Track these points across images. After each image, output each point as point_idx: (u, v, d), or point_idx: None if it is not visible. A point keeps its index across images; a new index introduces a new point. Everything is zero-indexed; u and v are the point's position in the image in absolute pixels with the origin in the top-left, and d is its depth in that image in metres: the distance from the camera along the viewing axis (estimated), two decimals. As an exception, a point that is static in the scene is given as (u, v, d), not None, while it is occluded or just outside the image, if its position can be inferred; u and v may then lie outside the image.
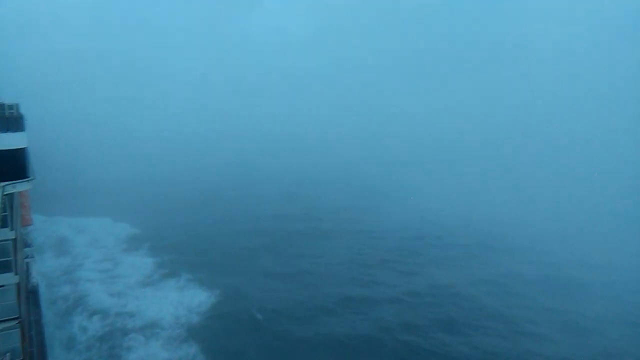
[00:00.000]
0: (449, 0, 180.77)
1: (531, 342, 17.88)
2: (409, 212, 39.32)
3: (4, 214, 12.37)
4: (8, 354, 12.76)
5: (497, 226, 35.24)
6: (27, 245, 19.32)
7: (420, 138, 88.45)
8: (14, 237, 13.08)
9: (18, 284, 13.14)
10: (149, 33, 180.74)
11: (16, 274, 13.01)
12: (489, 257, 27.92)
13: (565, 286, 23.47)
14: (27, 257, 18.34)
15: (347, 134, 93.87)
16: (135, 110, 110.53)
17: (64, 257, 23.24)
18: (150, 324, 17.13)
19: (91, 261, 22.56)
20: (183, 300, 18.66)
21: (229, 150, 75.08)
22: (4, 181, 11.68)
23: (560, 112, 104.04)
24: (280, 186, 48.33)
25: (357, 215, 38.39)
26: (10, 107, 13.79)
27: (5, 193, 11.73)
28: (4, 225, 12.73)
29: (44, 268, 21.90)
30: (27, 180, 12.31)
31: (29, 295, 16.47)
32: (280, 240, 29.87)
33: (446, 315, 20.00)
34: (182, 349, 16.84)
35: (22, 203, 17.48)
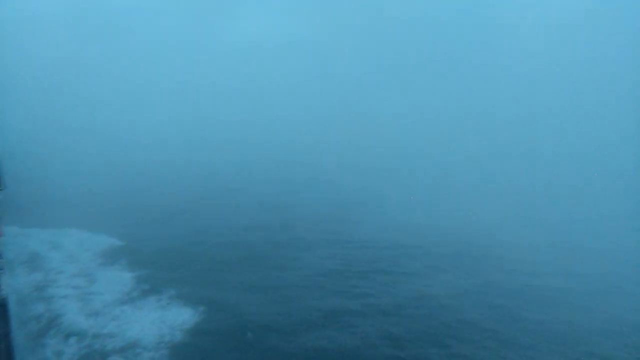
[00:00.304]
0: (434, 6, 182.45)
1: (516, 354, 17.64)
2: (388, 220, 39.12)
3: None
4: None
5: (477, 235, 35.27)
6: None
7: (399, 145, 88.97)
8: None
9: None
10: (127, 41, 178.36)
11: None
12: (470, 266, 27.75)
13: (547, 296, 23.57)
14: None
15: (326, 142, 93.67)
16: (113, 118, 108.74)
17: (36, 271, 21.70)
18: (131, 345, 16.01)
19: (66, 276, 21.04)
20: (165, 318, 17.49)
21: (205, 159, 73.95)
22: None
23: (544, 122, 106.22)
24: (257, 196, 47.52)
25: (336, 224, 37.89)
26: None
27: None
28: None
29: (14, 283, 20.64)
30: (-2, 191, 11.37)
31: None
32: (260, 251, 29.07)
33: (431, 327, 19.62)
34: (166, 370, 15.99)
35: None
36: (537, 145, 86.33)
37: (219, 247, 29.45)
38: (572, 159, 73.98)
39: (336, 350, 17.93)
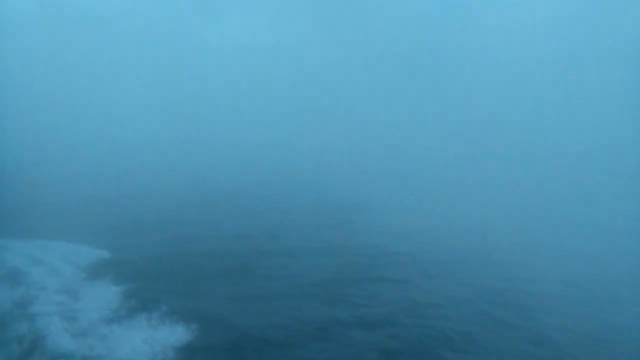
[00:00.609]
0: (413, 8, 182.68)
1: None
2: (381, 225, 38.89)
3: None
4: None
5: (472, 239, 35.31)
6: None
7: (389, 147, 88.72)
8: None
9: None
10: (112, 43, 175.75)
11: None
12: (465, 272, 27.65)
13: (545, 304, 23.69)
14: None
15: (315, 144, 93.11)
16: (95, 124, 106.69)
17: (17, 287, 20.94)
18: (122, 365, 15.33)
19: (49, 292, 20.20)
20: (157, 336, 16.66)
21: (193, 162, 72.95)
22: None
23: (538, 121, 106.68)
24: (247, 201, 46.82)
25: (327, 231, 37.43)
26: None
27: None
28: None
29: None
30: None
31: None
32: (250, 261, 28.42)
33: (427, 338, 19.27)
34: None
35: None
36: (531, 145, 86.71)
37: (208, 257, 28.75)
38: (567, 159, 74.49)
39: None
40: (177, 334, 17.14)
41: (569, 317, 21.89)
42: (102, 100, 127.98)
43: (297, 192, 54.07)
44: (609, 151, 78.90)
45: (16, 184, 46.98)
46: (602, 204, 49.93)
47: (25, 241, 27.90)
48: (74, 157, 69.93)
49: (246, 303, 22.06)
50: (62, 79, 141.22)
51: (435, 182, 59.39)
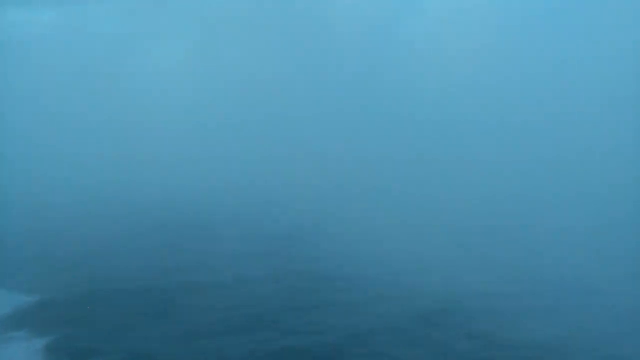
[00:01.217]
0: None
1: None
2: (318, 251, 38.83)
3: None
4: None
5: (408, 261, 35.41)
6: None
7: (327, 169, 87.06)
8: None
9: None
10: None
11: None
12: (412, 296, 28.19)
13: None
14: None
15: (247, 167, 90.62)
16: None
17: None
18: None
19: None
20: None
21: (114, 189, 68.89)
22: None
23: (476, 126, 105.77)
24: (174, 231, 44.70)
25: (262, 259, 36.70)
26: None
27: None
28: None
29: None
30: None
31: None
32: (180, 295, 27.52)
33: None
34: None
35: None
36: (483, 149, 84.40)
37: (137, 295, 27.50)
38: (511, 171, 74.47)
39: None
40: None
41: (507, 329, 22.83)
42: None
43: (229, 218, 52.93)
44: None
45: None
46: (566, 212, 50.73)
47: None
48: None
49: (176, 343, 21.33)
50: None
51: (377, 201, 59.20)
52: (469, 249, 39.18)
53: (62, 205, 53.94)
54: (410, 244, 39.64)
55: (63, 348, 18.62)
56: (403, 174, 69.92)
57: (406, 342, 22.42)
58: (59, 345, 18.85)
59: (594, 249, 36.47)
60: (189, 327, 22.96)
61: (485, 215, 51.61)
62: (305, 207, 57.73)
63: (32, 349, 18.44)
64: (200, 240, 41.85)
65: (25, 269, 30.47)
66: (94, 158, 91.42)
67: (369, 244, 41.21)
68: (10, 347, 18.55)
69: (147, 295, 27.32)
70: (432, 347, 21.54)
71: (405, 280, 30.62)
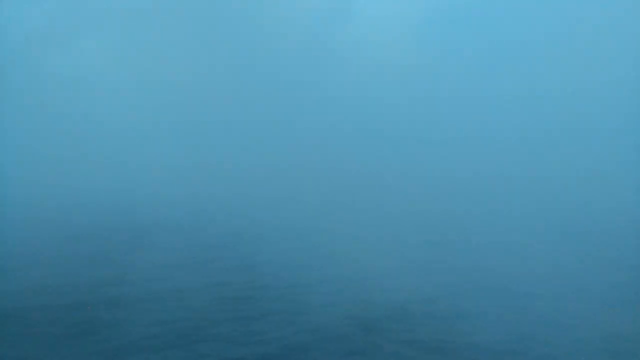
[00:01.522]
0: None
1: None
2: (253, 259, 38.42)
3: None
4: None
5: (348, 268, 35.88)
6: None
7: (261, 173, 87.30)
8: None
9: None
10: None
11: None
12: (349, 306, 28.36)
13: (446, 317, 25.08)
14: None
15: (174, 172, 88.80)
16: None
17: None
18: None
19: None
20: None
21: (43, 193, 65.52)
22: None
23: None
24: (94, 246, 43.01)
25: (191, 269, 35.94)
26: None
27: None
28: None
29: None
30: None
31: None
32: (99, 313, 25.97)
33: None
34: None
35: None
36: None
37: (63, 311, 25.58)
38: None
39: None
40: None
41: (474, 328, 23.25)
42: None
43: (163, 225, 51.27)
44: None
45: None
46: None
47: None
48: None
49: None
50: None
51: (317, 208, 59.68)
52: (413, 256, 40.15)
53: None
54: (351, 252, 40.14)
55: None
56: (344, 181, 71.01)
57: (347, 350, 22.34)
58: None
59: (537, 256, 38.59)
60: (119, 344, 21.39)
61: (429, 224, 53.69)
62: (242, 214, 57.43)
63: None
64: (132, 249, 40.07)
65: None
66: (16, 160, 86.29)
67: (308, 252, 41.25)
68: None
69: (73, 310, 25.38)
70: (373, 355, 21.60)
71: (346, 288, 30.60)
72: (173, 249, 41.77)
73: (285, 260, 38.47)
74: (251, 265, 37.06)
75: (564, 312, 29.40)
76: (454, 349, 24.60)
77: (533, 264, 40.55)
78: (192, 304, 28.26)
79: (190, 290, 31.78)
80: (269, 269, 35.67)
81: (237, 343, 23.28)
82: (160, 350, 21.77)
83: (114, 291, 29.90)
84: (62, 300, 28.20)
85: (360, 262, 38.77)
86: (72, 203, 57.02)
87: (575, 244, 43.30)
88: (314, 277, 34.88)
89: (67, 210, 53.63)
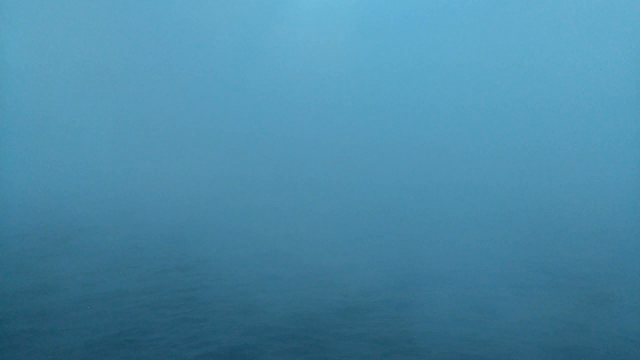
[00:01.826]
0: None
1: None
2: (183, 260, 37.10)
3: None
4: None
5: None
6: None
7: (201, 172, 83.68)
8: None
9: None
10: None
11: None
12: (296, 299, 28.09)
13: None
14: None
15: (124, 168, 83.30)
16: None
17: None
18: None
19: None
20: None
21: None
22: None
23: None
24: (18, 250, 40.08)
25: (109, 274, 34.42)
26: None
27: None
28: None
29: None
30: None
31: None
32: (17, 326, 24.42)
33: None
34: None
35: None
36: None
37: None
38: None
39: None
40: None
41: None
42: None
43: (90, 227, 48.19)
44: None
45: None
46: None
47: None
48: None
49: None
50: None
51: (253, 205, 58.30)
52: (348, 252, 40.28)
53: None
54: (287, 248, 39.93)
55: None
56: (281, 177, 70.44)
57: (291, 349, 22.21)
58: None
59: (473, 243, 40.18)
60: (52, 358, 20.18)
61: (363, 218, 54.02)
62: (174, 213, 55.15)
63: None
64: (59, 253, 37.72)
65: None
66: None
67: (244, 249, 40.53)
68: None
69: None
70: (315, 351, 21.52)
71: (290, 285, 30.44)
72: (101, 251, 39.48)
73: (220, 258, 37.36)
74: (185, 266, 35.81)
75: (494, 299, 30.64)
76: (401, 340, 25.04)
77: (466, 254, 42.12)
78: (123, 309, 26.97)
79: (119, 295, 30.19)
80: (202, 270, 34.54)
81: (179, 348, 22.47)
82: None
83: (43, 299, 27.92)
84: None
85: (297, 259, 38.45)
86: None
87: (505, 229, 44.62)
88: (253, 275, 34.22)
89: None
